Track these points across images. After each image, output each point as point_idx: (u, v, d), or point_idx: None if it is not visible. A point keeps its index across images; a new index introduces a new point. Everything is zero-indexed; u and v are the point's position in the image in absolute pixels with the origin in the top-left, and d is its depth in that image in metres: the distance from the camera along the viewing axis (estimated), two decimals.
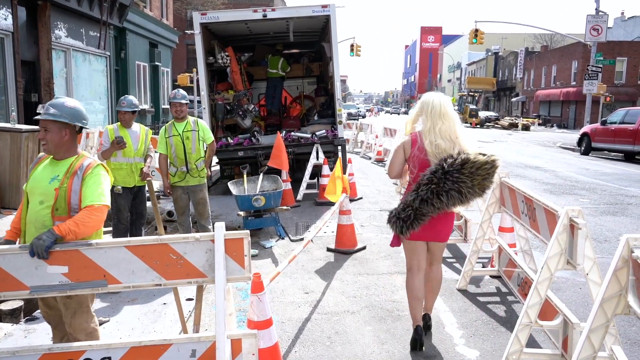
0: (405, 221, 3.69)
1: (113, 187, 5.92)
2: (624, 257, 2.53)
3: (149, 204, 6.63)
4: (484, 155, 3.61)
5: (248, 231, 3.11)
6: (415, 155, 3.78)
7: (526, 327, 3.40)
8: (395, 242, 4.00)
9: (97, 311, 4.61)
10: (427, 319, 4.06)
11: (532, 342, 3.90)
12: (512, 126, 38.58)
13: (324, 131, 10.43)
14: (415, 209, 3.64)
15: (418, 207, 3.63)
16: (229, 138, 10.30)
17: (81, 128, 3.28)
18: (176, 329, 4.32)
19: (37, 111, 4.15)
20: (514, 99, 55.76)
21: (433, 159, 3.69)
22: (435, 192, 3.55)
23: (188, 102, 6.24)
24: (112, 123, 13.13)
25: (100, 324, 4.39)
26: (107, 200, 3.09)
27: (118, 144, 5.72)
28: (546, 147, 23.09)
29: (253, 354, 3.20)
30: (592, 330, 2.62)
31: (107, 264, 2.99)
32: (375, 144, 16.49)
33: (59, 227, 2.88)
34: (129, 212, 6.05)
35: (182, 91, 6.22)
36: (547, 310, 3.64)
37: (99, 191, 3.07)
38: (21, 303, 4.77)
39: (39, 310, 4.80)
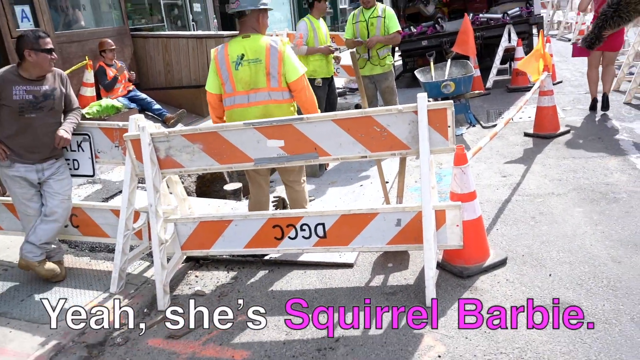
0: (593, 40, 6.18)
1: (313, 79, 6.23)
2: None
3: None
4: None
5: (451, 101, 3.00)
6: None
7: None
8: (576, 53, 6.94)
9: None
10: (605, 97, 6.51)
11: None
12: None
13: (517, 9, 9.33)
14: (596, 32, 6.11)
15: (598, 31, 6.07)
16: (411, 27, 9.90)
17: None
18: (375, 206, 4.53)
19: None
20: None
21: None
22: (604, 19, 5.95)
23: None
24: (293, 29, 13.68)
25: None
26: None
27: (334, 55, 6.21)
28: None
29: (457, 225, 3.21)
30: None
31: (316, 137, 3.19)
32: (576, 22, 14.37)
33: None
34: (324, 103, 6.38)
35: None
36: None
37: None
38: (240, 185, 5.47)
39: None
